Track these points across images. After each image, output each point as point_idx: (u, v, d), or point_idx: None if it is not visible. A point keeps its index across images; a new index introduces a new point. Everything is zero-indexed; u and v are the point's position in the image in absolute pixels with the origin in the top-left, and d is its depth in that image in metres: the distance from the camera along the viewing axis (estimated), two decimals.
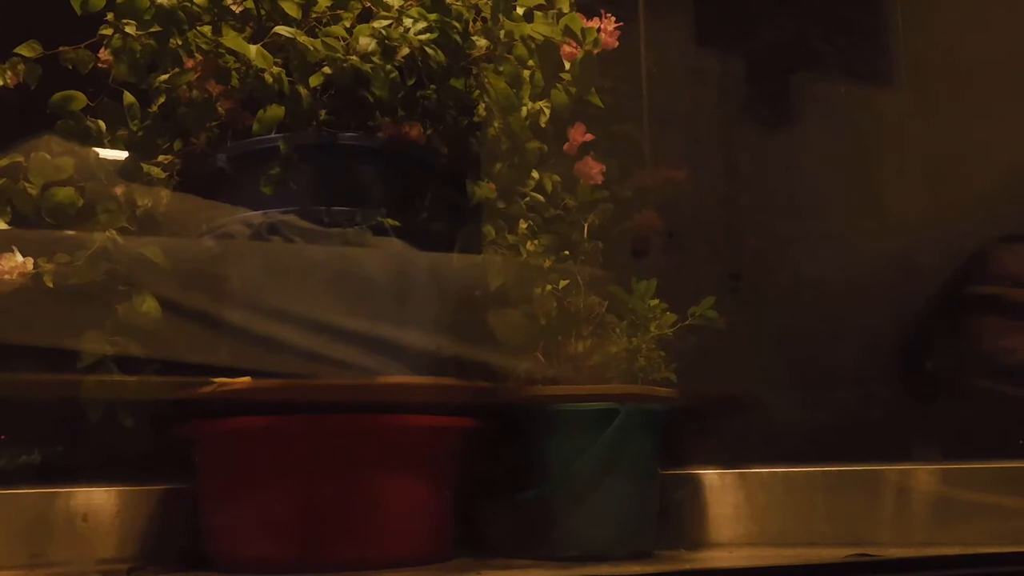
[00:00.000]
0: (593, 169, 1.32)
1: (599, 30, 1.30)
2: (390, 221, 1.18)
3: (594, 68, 1.30)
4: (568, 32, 1.27)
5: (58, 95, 1.22)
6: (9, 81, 1.21)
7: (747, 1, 1.66)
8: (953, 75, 1.62)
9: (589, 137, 1.33)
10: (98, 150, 1.24)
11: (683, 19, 1.63)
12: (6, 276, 1.11)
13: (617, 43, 1.31)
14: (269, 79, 1.17)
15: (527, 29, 1.24)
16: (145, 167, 1.23)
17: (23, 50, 1.21)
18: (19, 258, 1.12)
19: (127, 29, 1.18)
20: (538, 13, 1.27)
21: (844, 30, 1.65)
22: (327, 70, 1.18)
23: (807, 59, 1.64)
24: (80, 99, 1.22)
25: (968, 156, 1.59)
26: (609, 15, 1.30)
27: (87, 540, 1.25)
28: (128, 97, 1.24)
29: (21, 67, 1.21)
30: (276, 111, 1.17)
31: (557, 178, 1.32)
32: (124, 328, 1.14)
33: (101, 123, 1.24)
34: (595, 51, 1.30)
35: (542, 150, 1.30)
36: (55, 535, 1.24)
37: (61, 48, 1.23)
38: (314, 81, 1.18)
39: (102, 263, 1.14)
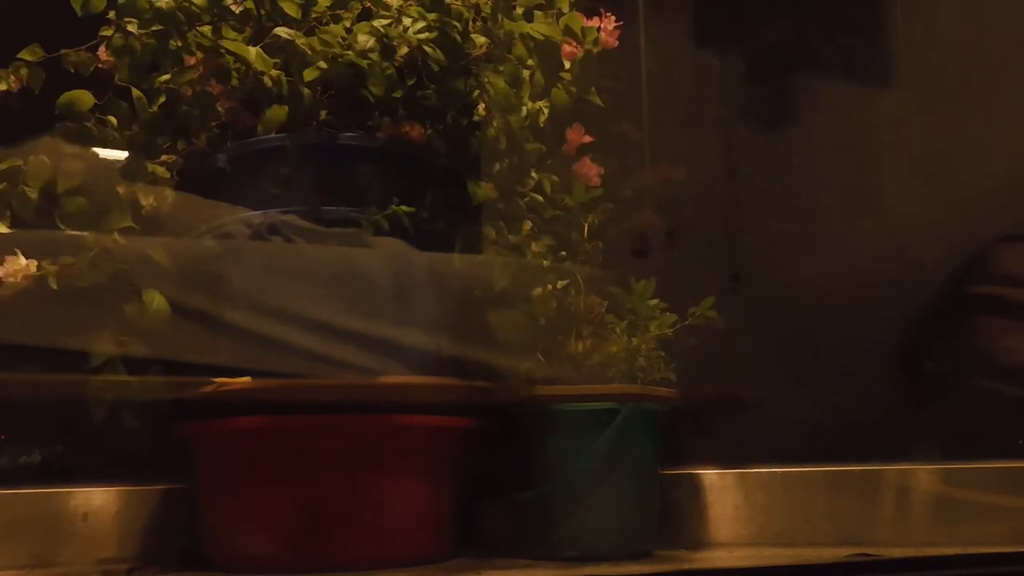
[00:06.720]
0: (591, 170, 1.32)
1: (599, 29, 1.30)
2: (404, 208, 1.18)
3: (594, 67, 1.30)
4: (568, 31, 1.27)
5: (65, 96, 1.22)
6: (12, 85, 1.21)
7: (747, 1, 1.66)
8: (953, 75, 1.62)
9: (588, 139, 1.33)
10: (99, 150, 1.24)
11: (683, 19, 1.63)
12: (10, 279, 1.11)
13: (617, 42, 1.31)
14: (268, 82, 1.17)
15: (527, 28, 1.25)
16: (150, 166, 1.23)
17: (26, 55, 1.21)
18: (23, 261, 1.12)
19: (129, 28, 1.18)
20: (538, 12, 1.27)
21: (844, 30, 1.65)
22: (326, 69, 1.18)
23: (807, 59, 1.64)
24: (87, 99, 1.22)
25: (968, 156, 1.59)
26: (609, 14, 1.30)
27: (87, 540, 1.25)
28: (136, 93, 1.24)
29: (24, 71, 1.21)
30: (279, 112, 1.17)
31: (555, 178, 1.32)
32: (128, 328, 1.14)
33: (112, 119, 1.24)
34: (595, 50, 1.30)
35: (540, 150, 1.30)
36: (55, 535, 1.24)
37: (63, 51, 1.23)
38: (309, 76, 1.17)
39: (106, 264, 1.14)
